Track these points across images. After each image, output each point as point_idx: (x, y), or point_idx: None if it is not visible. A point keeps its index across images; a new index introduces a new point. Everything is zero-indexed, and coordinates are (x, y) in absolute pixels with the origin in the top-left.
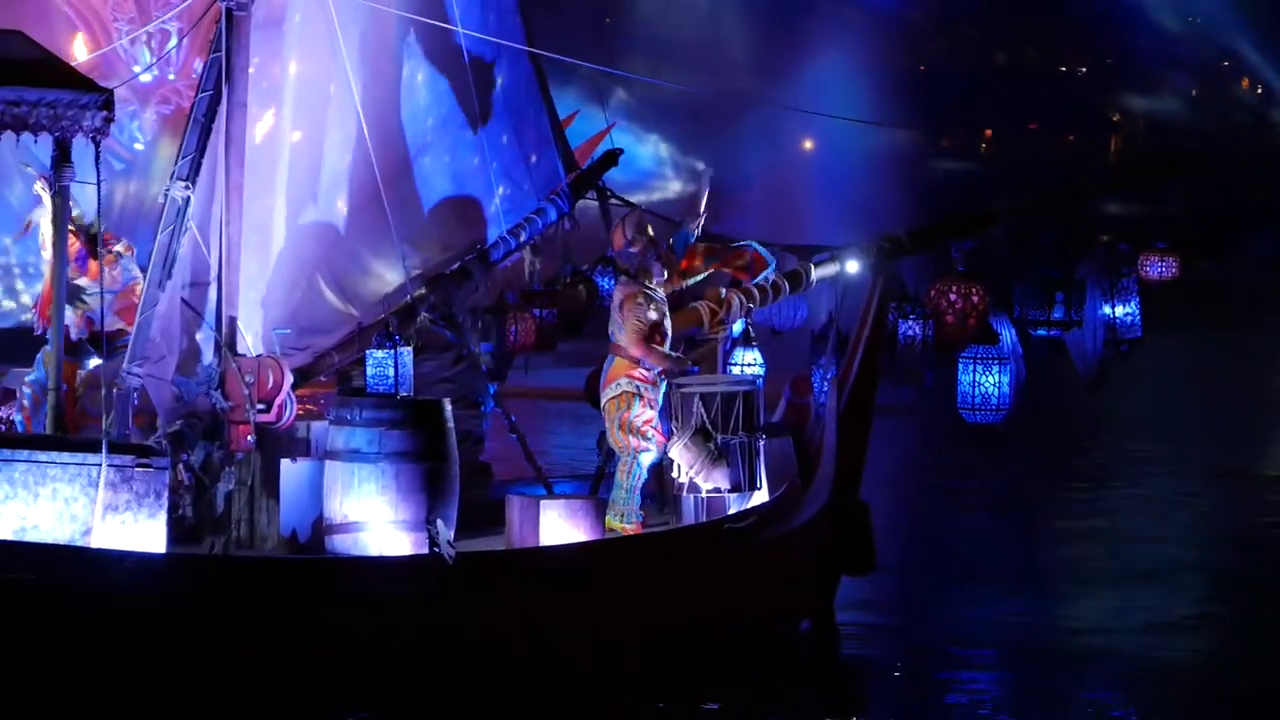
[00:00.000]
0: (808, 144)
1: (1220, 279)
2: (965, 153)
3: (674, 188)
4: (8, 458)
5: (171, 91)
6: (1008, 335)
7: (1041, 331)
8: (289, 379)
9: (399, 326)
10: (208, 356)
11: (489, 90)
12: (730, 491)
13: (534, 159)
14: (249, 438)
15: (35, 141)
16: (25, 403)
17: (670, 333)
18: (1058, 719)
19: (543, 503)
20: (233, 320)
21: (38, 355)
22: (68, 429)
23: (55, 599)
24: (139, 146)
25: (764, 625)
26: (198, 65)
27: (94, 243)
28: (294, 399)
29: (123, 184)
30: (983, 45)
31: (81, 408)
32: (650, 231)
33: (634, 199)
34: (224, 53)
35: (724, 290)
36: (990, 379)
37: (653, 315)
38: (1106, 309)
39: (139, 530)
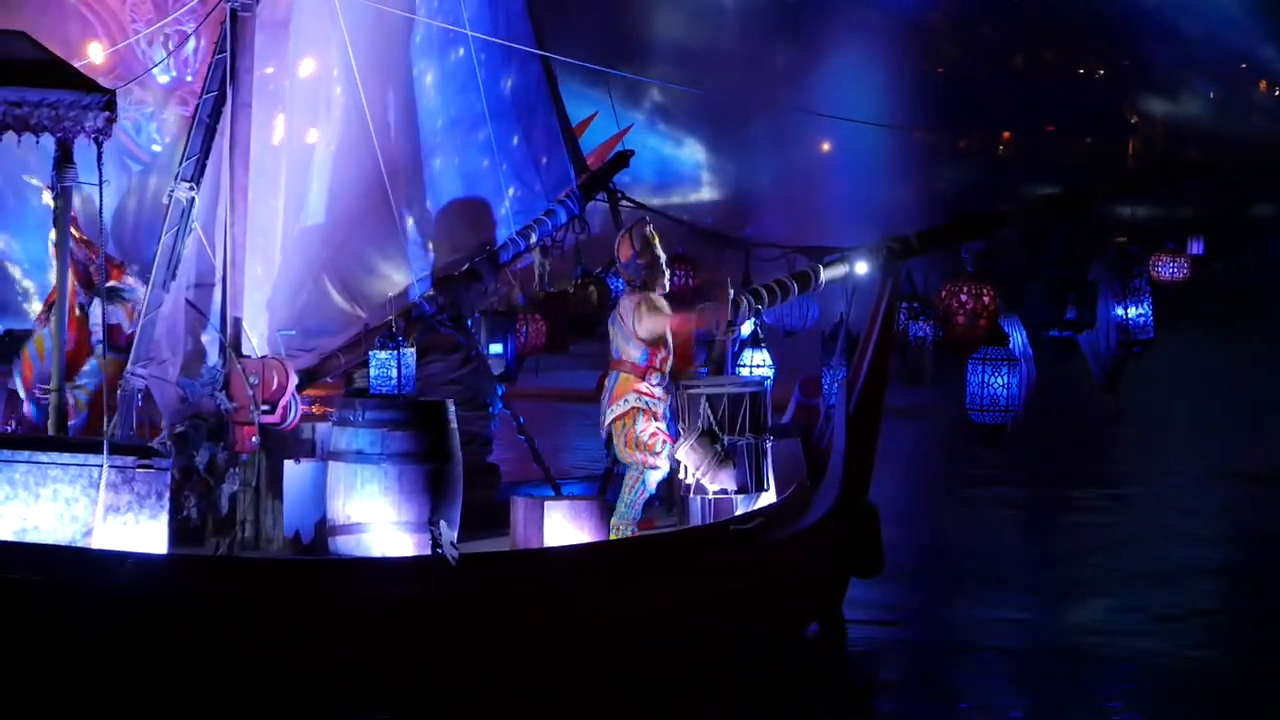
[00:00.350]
0: (825, 146)
1: (1237, 281)
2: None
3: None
4: (8, 458)
5: (189, 93)
6: (1018, 336)
7: (1053, 332)
8: (293, 380)
9: (406, 328)
10: (213, 358)
11: (498, 92)
12: (737, 493)
13: (544, 161)
14: (253, 439)
15: (37, 142)
16: (81, 399)
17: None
18: None
19: (547, 504)
20: (237, 321)
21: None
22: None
23: (56, 600)
24: (157, 148)
25: (770, 627)
26: None
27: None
28: (298, 400)
29: (140, 185)
30: (1001, 47)
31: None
32: (657, 243)
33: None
34: (229, 53)
35: (732, 292)
36: (999, 380)
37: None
38: (1119, 310)
39: (140, 531)
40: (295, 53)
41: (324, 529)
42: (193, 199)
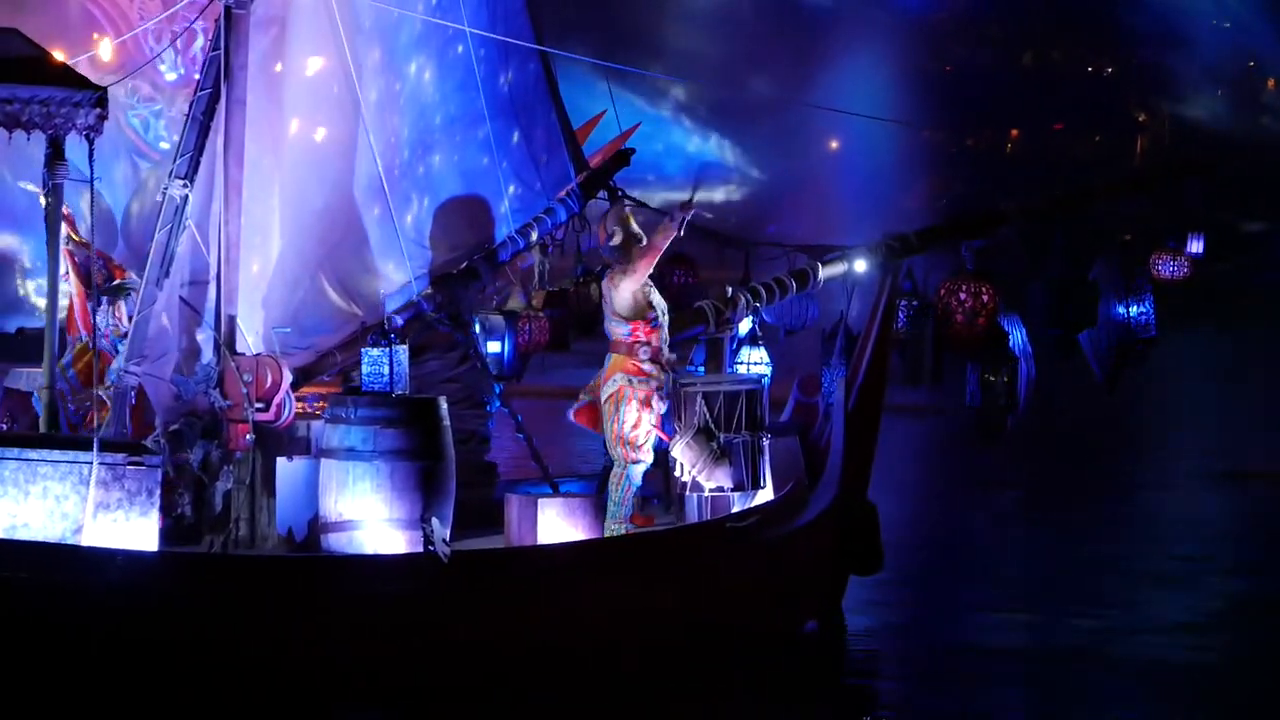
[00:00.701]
0: (833, 144)
1: (1240, 280)
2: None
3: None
4: None
5: None
6: (1018, 334)
7: (1054, 331)
8: (287, 378)
9: (404, 326)
10: (207, 355)
11: (497, 89)
12: (733, 490)
13: (544, 159)
14: (247, 436)
15: (28, 138)
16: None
17: (664, 317)
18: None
19: (541, 501)
20: (232, 319)
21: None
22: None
23: (46, 597)
24: (165, 145)
25: (767, 625)
26: None
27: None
28: (292, 398)
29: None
30: (1009, 46)
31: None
32: (633, 224)
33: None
34: (223, 51)
35: (729, 289)
36: (999, 378)
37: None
38: (1120, 309)
39: (130, 528)
40: (304, 51)
41: (316, 526)
42: (186, 196)
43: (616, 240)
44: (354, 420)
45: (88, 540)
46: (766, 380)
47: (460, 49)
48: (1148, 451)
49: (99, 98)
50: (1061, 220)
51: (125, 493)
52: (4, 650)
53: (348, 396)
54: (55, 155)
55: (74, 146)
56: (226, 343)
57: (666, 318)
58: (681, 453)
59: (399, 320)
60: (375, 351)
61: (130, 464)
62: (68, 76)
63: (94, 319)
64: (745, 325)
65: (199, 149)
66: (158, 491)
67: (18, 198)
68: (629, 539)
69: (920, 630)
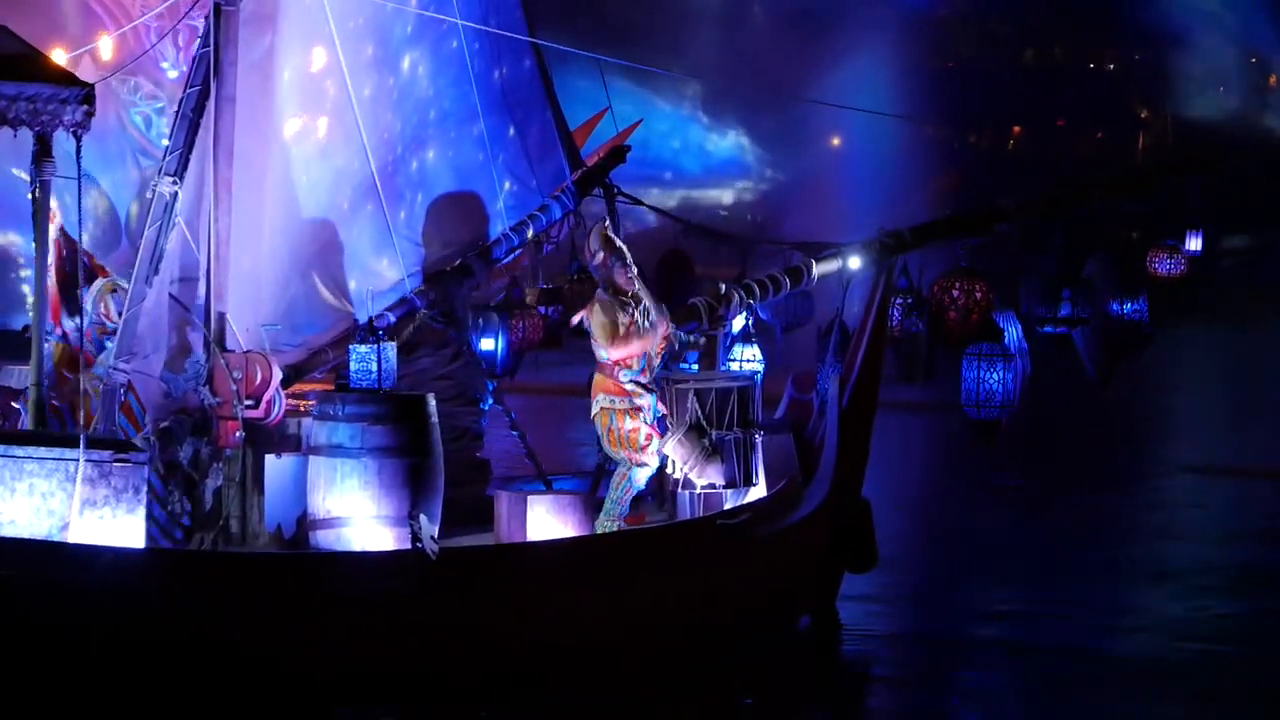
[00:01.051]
0: (835, 141)
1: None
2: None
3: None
4: None
5: None
6: (1013, 332)
7: (1048, 328)
8: (277, 375)
9: (397, 323)
10: (197, 352)
11: (490, 84)
12: (725, 487)
13: (540, 155)
14: (237, 434)
15: (15, 135)
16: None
17: (661, 317)
18: (1062, 717)
19: (530, 498)
20: (222, 316)
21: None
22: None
23: (32, 594)
24: (166, 143)
25: (760, 622)
26: None
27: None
28: (283, 395)
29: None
30: (1011, 42)
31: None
32: (616, 240)
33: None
34: (213, 47)
35: (723, 286)
36: (994, 375)
37: (623, 317)
38: (1115, 306)
39: (117, 525)
40: (295, 47)
41: (305, 523)
42: (176, 193)
43: (599, 260)
44: (341, 417)
45: (74, 537)
46: (759, 377)
47: (455, 44)
48: (1141, 448)
49: (86, 94)
50: (1060, 218)
51: (112, 490)
52: None
53: (336, 393)
54: (43, 152)
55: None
56: (216, 340)
57: (665, 316)
58: (673, 450)
59: (391, 317)
60: (363, 348)
61: (116, 461)
62: (55, 73)
63: (64, 315)
64: (739, 322)
65: (188, 146)
66: (145, 488)
67: (21, 195)
68: (618, 536)
69: (916, 627)
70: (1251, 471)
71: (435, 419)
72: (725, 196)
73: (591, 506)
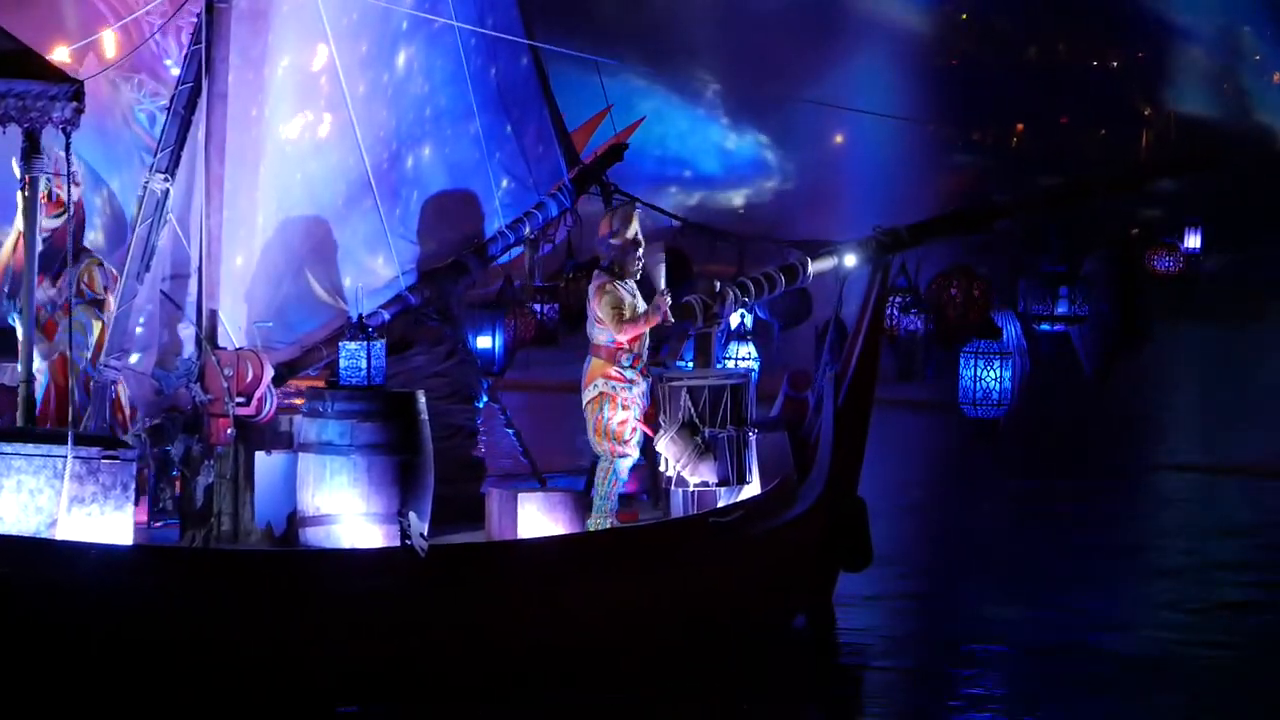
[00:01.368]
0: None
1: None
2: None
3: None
4: None
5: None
6: (1012, 330)
7: (1045, 326)
8: (269, 372)
9: (391, 321)
10: (188, 350)
11: (485, 81)
12: (718, 485)
13: (537, 153)
14: (228, 431)
15: (3, 131)
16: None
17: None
18: (1062, 717)
19: (520, 496)
20: (213, 313)
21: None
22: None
23: (19, 591)
24: None
25: (753, 620)
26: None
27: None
28: (274, 392)
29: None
30: (1014, 40)
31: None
32: (636, 228)
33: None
34: (204, 44)
35: (718, 284)
36: (992, 373)
37: (629, 299)
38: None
39: (105, 522)
40: (289, 43)
41: (295, 520)
42: (167, 190)
43: (617, 240)
44: (331, 414)
45: (62, 534)
46: (754, 375)
47: (451, 41)
48: (1142, 446)
49: (75, 91)
50: (1059, 215)
51: (100, 486)
52: None
53: (325, 390)
54: (32, 149)
55: (81, 143)
56: (208, 337)
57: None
58: (666, 447)
59: (385, 315)
60: (352, 345)
61: (105, 458)
62: (45, 70)
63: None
64: (735, 320)
65: (180, 143)
66: (133, 485)
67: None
68: (609, 533)
69: (914, 626)
70: (1251, 469)
71: (425, 416)
72: (736, 198)
73: (583, 504)
